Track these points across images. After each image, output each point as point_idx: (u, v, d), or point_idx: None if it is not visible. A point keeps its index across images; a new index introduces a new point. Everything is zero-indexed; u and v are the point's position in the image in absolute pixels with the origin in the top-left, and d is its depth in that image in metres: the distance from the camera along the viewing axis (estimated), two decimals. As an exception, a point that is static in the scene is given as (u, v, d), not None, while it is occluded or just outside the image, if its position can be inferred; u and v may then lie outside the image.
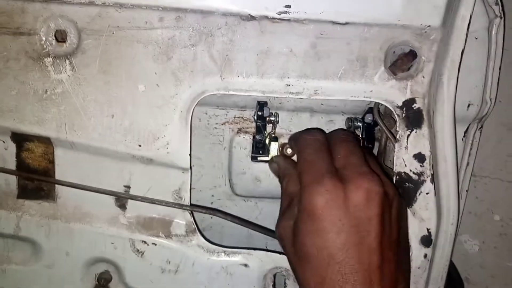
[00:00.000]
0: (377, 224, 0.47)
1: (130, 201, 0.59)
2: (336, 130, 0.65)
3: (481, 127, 0.67)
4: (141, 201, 0.58)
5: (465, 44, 0.54)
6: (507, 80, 0.70)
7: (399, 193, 0.54)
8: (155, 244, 0.60)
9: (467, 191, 0.72)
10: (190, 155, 0.57)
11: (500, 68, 0.62)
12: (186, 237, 0.60)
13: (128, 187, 0.58)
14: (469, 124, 0.64)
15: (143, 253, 0.60)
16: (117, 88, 0.53)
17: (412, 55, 0.53)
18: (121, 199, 0.59)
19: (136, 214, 0.60)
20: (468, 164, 0.69)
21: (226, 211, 0.71)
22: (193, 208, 0.58)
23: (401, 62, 0.53)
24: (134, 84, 0.53)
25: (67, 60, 0.52)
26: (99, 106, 0.54)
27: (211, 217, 0.74)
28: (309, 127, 0.70)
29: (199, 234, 0.60)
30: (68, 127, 0.55)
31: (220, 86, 0.54)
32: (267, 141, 0.68)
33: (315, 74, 0.54)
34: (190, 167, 0.58)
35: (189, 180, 0.58)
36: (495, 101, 0.63)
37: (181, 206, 0.58)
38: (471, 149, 0.68)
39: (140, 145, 0.55)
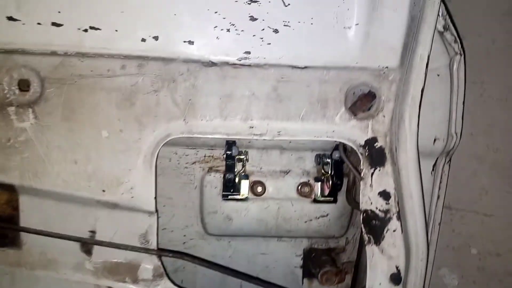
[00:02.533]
0: None
1: (95, 247, 0.58)
2: None
3: (450, 160, 0.68)
4: (107, 246, 0.57)
5: (424, 82, 0.55)
6: (477, 114, 0.72)
7: None
8: (122, 290, 0.59)
9: (439, 224, 0.72)
10: (155, 198, 0.56)
11: (463, 103, 0.63)
12: (153, 281, 0.59)
13: (94, 232, 0.58)
14: (437, 158, 0.65)
15: (109, 300, 0.59)
16: (81, 134, 0.54)
17: (371, 95, 0.55)
18: (87, 245, 0.58)
19: (102, 260, 0.59)
20: (439, 197, 0.70)
21: (196, 253, 0.71)
22: (160, 252, 0.58)
23: (361, 103, 0.54)
24: (98, 130, 0.53)
25: (30, 108, 0.53)
26: (63, 153, 0.54)
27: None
28: (279, 163, 0.70)
29: (166, 278, 0.59)
30: (32, 175, 0.54)
31: (184, 129, 0.54)
32: (237, 180, 0.68)
33: (277, 115, 0.55)
34: (157, 210, 0.58)
35: (156, 223, 0.58)
36: (460, 135, 0.64)
37: (147, 251, 0.57)
38: (440, 182, 0.68)
39: (104, 190, 0.55)
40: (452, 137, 0.61)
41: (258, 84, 0.54)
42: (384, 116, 0.56)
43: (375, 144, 0.57)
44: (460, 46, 0.61)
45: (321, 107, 0.55)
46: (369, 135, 0.56)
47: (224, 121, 0.55)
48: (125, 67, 0.52)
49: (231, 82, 0.54)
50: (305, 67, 0.53)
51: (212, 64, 0.53)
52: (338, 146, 0.65)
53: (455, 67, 0.61)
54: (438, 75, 0.60)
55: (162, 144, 0.55)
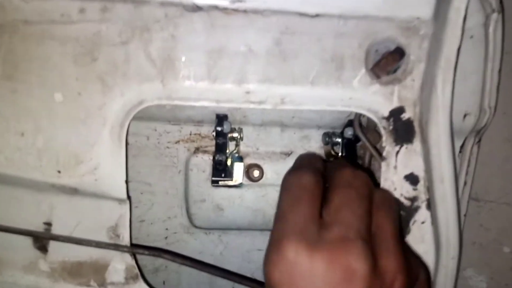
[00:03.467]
0: None
1: (52, 242, 0.47)
2: (341, 161, 0.49)
3: (479, 140, 0.57)
4: (66, 241, 0.46)
5: (461, 40, 0.44)
6: (510, 90, 0.62)
7: None
8: (85, 296, 0.47)
9: (465, 215, 0.62)
10: (127, 182, 0.45)
11: (500, 72, 0.53)
12: (125, 285, 0.48)
13: (49, 224, 0.46)
14: (466, 138, 0.55)
15: (70, 308, 0.47)
16: (27, 97, 0.42)
17: (399, 53, 0.43)
18: (40, 240, 0.46)
19: (60, 259, 0.47)
20: (465, 183, 0.60)
21: (180, 250, 0.59)
22: (134, 249, 0.46)
23: (386, 62, 0.43)
24: (49, 92, 0.42)
25: (-40, 63, 0.41)
26: (5, 121, 0.42)
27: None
28: (279, 143, 0.59)
29: (142, 280, 0.48)
30: (-34, 150, 0.42)
31: (161, 94, 0.43)
32: (229, 162, 0.57)
33: (281, 78, 0.43)
34: (129, 197, 0.46)
35: (128, 213, 0.46)
36: (494, 110, 0.53)
37: (117, 247, 0.46)
38: (468, 166, 0.58)
39: (59, 171, 0.43)
40: (484, 112, 0.51)
41: (256, 36, 0.42)
42: (413, 81, 0.45)
43: (402, 116, 0.46)
44: (498, 1, 0.50)
45: (336, 68, 0.44)
46: (395, 104, 0.45)
47: (212, 84, 0.43)
48: (84, 11, 0.41)
49: (222, 33, 0.42)
50: (316, 15, 0.42)
51: (197, 8, 0.41)
52: (351, 122, 0.53)
53: (491, 27, 0.50)
54: (472, 37, 0.49)
55: (133, 114, 0.44)
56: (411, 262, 0.37)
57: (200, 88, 0.43)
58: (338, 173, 0.39)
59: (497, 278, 0.67)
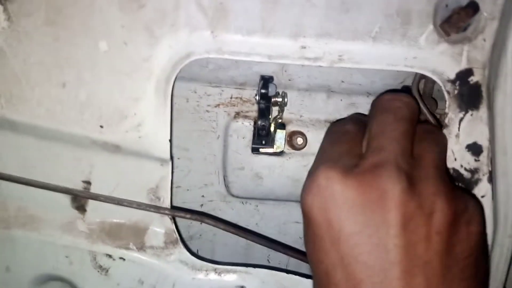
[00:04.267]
0: (394, 232, 0.31)
1: (91, 202, 0.45)
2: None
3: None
4: (106, 201, 0.44)
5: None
6: None
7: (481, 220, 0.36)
8: (124, 259, 0.45)
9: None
10: (171, 141, 0.42)
11: None
12: (164, 249, 0.46)
13: (88, 183, 0.44)
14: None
15: (107, 270, 0.45)
16: (70, 46, 0.39)
17: (472, 8, 0.39)
18: (79, 199, 0.44)
19: (99, 219, 0.45)
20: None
21: (217, 216, 0.57)
22: (175, 212, 0.44)
23: (458, 18, 0.39)
24: (93, 41, 0.39)
25: (1, 6, 0.38)
26: (46, 71, 0.40)
27: (200, 223, 0.59)
28: (324, 110, 0.55)
29: (182, 246, 0.46)
30: (5, 100, 0.40)
31: (211, 47, 0.40)
32: (272, 128, 0.54)
33: (340, 32, 0.40)
34: (172, 158, 0.44)
35: (170, 176, 0.44)
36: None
37: (158, 210, 0.44)
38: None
39: (102, 126, 0.41)
40: None
41: (316, -14, 0.39)
42: (484, 40, 0.41)
43: (470, 79, 0.42)
44: None
45: (402, 23, 0.40)
46: (463, 65, 0.41)
47: (266, 38, 0.40)
48: (133, -49, 0.37)
49: (279, -19, 0.38)
50: (384, -37, 0.38)
51: (255, -50, 0.37)
52: (406, 88, 0.50)
53: None
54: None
55: (181, 67, 0.41)
56: (456, 192, 0.35)
57: (253, 42, 0.40)
58: (377, 101, 0.39)
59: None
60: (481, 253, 0.36)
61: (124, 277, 0.46)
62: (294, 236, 0.61)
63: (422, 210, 0.31)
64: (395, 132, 0.35)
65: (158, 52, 0.39)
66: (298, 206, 0.59)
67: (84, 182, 0.44)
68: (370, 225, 0.31)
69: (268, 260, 0.62)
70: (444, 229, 0.32)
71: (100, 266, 0.45)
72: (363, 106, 0.55)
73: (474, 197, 0.39)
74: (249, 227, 0.61)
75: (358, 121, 0.40)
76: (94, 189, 0.44)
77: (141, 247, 0.46)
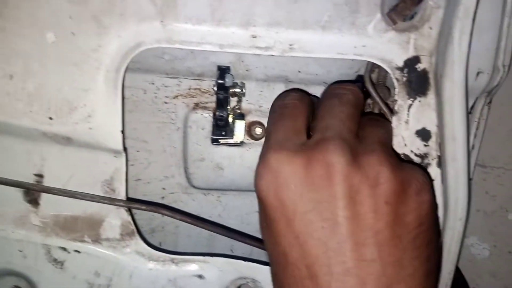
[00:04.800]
0: (336, 206, 0.32)
1: (44, 195, 0.44)
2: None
3: (490, 102, 0.55)
4: (59, 194, 0.43)
5: (481, -12, 0.42)
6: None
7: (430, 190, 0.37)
8: (79, 252, 0.45)
9: (471, 179, 0.61)
10: (123, 132, 0.42)
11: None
12: (121, 241, 0.46)
13: (41, 176, 0.43)
14: (477, 98, 0.52)
15: (62, 264, 0.45)
16: (17, 37, 0.39)
17: (417, -3, 0.40)
18: (32, 193, 0.44)
19: (53, 213, 0.45)
20: (473, 147, 0.58)
21: (174, 207, 0.57)
22: (130, 204, 0.44)
23: (404, 6, 0.40)
24: (41, 32, 0.38)
25: None
26: (-8, 62, 0.39)
27: (162, 216, 0.59)
28: (283, 101, 0.56)
29: (138, 237, 0.46)
30: (-51, 92, 0.39)
31: (161, 36, 0.39)
32: (230, 119, 0.54)
33: (290, 22, 0.40)
34: (125, 150, 0.44)
35: (124, 166, 0.44)
36: (508, 69, 0.51)
37: (113, 201, 0.43)
38: (477, 128, 0.56)
39: (51, 118, 0.40)
40: (498, 70, 0.48)
41: (265, -25, 0.39)
42: (430, 28, 0.42)
43: (417, 66, 0.43)
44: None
45: (350, 12, 0.41)
46: (410, 53, 0.42)
47: (216, 27, 0.40)
48: None
49: (228, -30, 0.39)
50: (331, -47, 0.39)
51: None
52: (360, 78, 0.51)
53: (510, -20, 0.47)
54: (489, -10, 0.46)
55: (130, 57, 0.40)
56: (402, 163, 0.36)
57: (203, 31, 0.40)
58: (326, 89, 0.42)
59: (501, 246, 0.66)
60: (433, 222, 0.37)
61: (80, 269, 0.45)
62: (256, 225, 0.61)
63: (368, 181, 0.32)
64: (341, 113, 0.36)
65: (107, 42, 0.39)
66: (260, 196, 0.60)
67: (36, 175, 0.44)
68: (320, 201, 0.32)
69: (231, 250, 0.62)
70: (392, 199, 0.33)
71: (55, 260, 0.45)
72: (321, 94, 0.56)
73: (422, 168, 0.41)
74: (212, 218, 0.61)
75: (299, 92, 0.42)
76: (46, 182, 0.44)
77: (97, 240, 0.45)
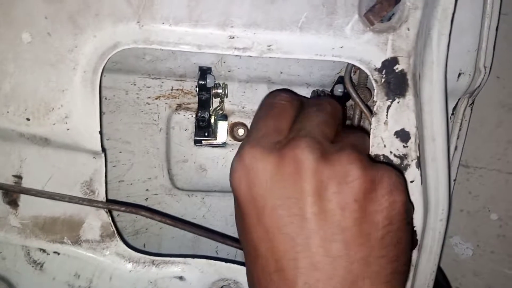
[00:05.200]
0: (304, 202, 0.33)
1: (23, 197, 0.44)
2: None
3: (472, 103, 0.56)
4: (38, 196, 0.43)
5: (460, -11, 0.42)
6: (506, 52, 0.59)
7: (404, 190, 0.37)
8: (58, 253, 0.45)
9: (454, 180, 0.61)
10: (101, 133, 0.42)
11: (497, 30, 0.50)
12: (101, 243, 0.46)
13: (19, 177, 0.43)
14: (459, 99, 0.53)
15: (42, 265, 0.45)
16: (-8, 37, 0.38)
17: (394, -2, 0.40)
18: (11, 194, 0.43)
19: (32, 214, 0.45)
20: (456, 148, 0.58)
21: (154, 208, 0.57)
22: (109, 205, 0.44)
23: (381, 8, 0.40)
24: (16, 32, 0.38)
25: None
26: (-33, 63, 0.38)
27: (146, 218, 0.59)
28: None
29: (118, 239, 0.46)
30: None
31: (138, 36, 0.39)
32: (213, 120, 0.54)
33: (268, 22, 0.40)
34: (104, 151, 0.44)
35: (104, 169, 0.44)
36: (490, 70, 0.51)
37: (91, 203, 0.43)
38: (460, 130, 0.56)
39: (28, 119, 0.40)
40: (479, 72, 0.49)
41: (242, -25, 0.39)
42: (408, 30, 0.42)
43: (395, 67, 0.43)
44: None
45: (328, 13, 0.41)
46: (388, 54, 0.43)
47: (194, 27, 0.40)
48: None
49: (205, -30, 0.39)
50: (307, -47, 0.39)
51: None
52: (342, 79, 0.51)
53: (490, -18, 0.47)
54: (470, -8, 0.46)
55: (107, 58, 0.40)
56: (373, 163, 0.37)
57: (180, 31, 0.40)
58: (310, 101, 0.42)
59: (483, 245, 0.67)
60: (404, 223, 0.37)
61: (59, 271, 0.45)
62: (241, 227, 0.62)
63: (337, 179, 0.33)
64: (316, 118, 0.37)
65: (83, 43, 0.39)
66: (244, 197, 0.60)
67: (15, 176, 0.44)
68: (290, 196, 0.33)
69: (216, 252, 0.62)
70: (361, 196, 0.33)
71: (35, 261, 0.45)
72: (304, 95, 0.56)
73: (398, 169, 0.41)
74: (196, 220, 0.61)
75: (290, 93, 0.43)
76: (25, 183, 0.44)
77: (76, 241, 0.45)
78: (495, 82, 0.61)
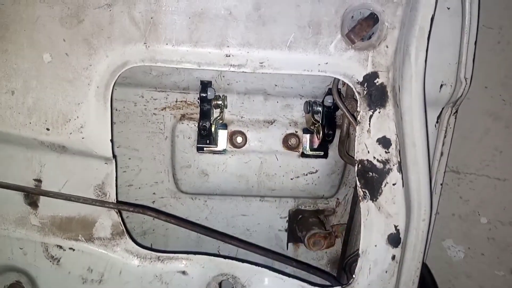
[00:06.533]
0: None
1: (42, 198, 0.49)
2: None
3: (456, 112, 0.59)
4: (56, 197, 0.48)
5: (435, 9, 0.46)
6: (493, 63, 0.63)
7: None
8: (73, 249, 0.50)
9: (441, 184, 0.64)
10: (112, 141, 0.47)
11: (475, 43, 0.54)
12: (111, 240, 0.50)
13: (39, 181, 0.48)
14: (443, 108, 0.57)
15: (58, 260, 0.50)
16: (17, 58, 0.44)
17: (372, 19, 0.45)
18: (32, 196, 0.49)
19: (50, 214, 0.50)
20: (442, 154, 0.62)
21: (160, 209, 0.62)
22: (119, 206, 0.49)
23: (360, 28, 0.45)
24: (38, 53, 0.44)
25: (-48, 22, 0.43)
26: (-4, 80, 0.44)
27: (153, 218, 0.64)
28: (263, 112, 0.61)
29: (127, 237, 0.50)
30: (-41, 107, 0.45)
31: (145, 56, 0.44)
32: (213, 129, 0.59)
33: (260, 42, 0.45)
34: (115, 157, 0.49)
35: (114, 172, 0.49)
36: (470, 82, 0.55)
37: (103, 204, 0.48)
38: (445, 137, 0.60)
39: (48, 129, 0.46)
40: (461, 83, 0.52)
41: (236, 1, 0.44)
42: (387, 47, 0.47)
43: (376, 81, 0.48)
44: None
45: (313, 33, 0.46)
46: (369, 69, 0.47)
47: (194, 47, 0.45)
48: (70, -27, 0.42)
49: (203, -2, 0.44)
50: (294, -19, 0.44)
51: (179, -27, 0.43)
52: (331, 90, 0.56)
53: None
54: (448, 8, 0.51)
55: (118, 74, 0.46)
56: None
57: (182, 51, 0.45)
58: None
59: (474, 248, 0.69)
60: None
61: (74, 266, 0.50)
62: (241, 228, 0.67)
63: None
64: None
65: (96, 62, 0.44)
66: (243, 200, 0.65)
67: (35, 180, 0.49)
68: None
69: (218, 251, 0.67)
70: None
71: (52, 256, 0.50)
72: (297, 106, 0.61)
73: None
74: (199, 221, 0.65)
75: None
76: (45, 187, 0.49)
77: (90, 238, 0.50)
78: (483, 92, 0.65)
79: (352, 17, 0.46)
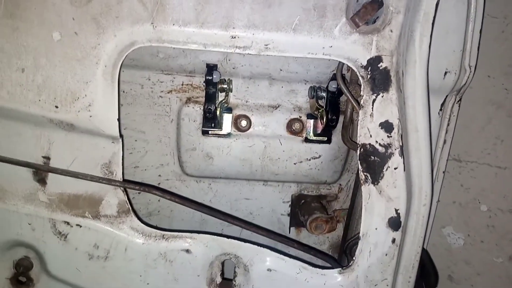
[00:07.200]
0: None
1: (50, 175, 0.50)
2: None
3: (460, 100, 0.60)
4: (64, 175, 0.49)
5: (440, -5, 0.47)
6: (497, 53, 0.63)
7: None
8: (80, 226, 0.51)
9: (444, 172, 0.65)
10: (119, 120, 0.48)
11: (481, 33, 0.54)
12: (117, 218, 0.52)
13: (48, 158, 0.50)
14: (446, 96, 0.57)
15: (66, 236, 0.51)
16: (28, 36, 0.45)
17: (377, 3, 0.45)
18: (40, 173, 0.50)
19: (58, 191, 0.51)
20: (445, 142, 0.62)
21: (165, 189, 0.63)
22: (125, 184, 0.50)
23: (365, 11, 0.45)
24: (48, 31, 0.45)
25: (-35, 0, 0.44)
26: (7, 57, 0.45)
27: (159, 200, 0.65)
28: (267, 96, 0.62)
29: (133, 215, 0.52)
30: (-30, 83, 0.46)
31: (152, 36, 0.45)
32: (218, 112, 0.60)
33: (265, 24, 0.46)
34: (121, 136, 0.50)
35: (121, 152, 0.50)
36: (475, 69, 0.55)
37: (110, 182, 0.49)
38: (448, 125, 0.60)
39: (57, 106, 0.47)
40: (465, 70, 0.53)
41: (242, -17, 0.45)
42: (391, 31, 0.47)
43: (379, 65, 0.48)
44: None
45: (318, 16, 0.46)
46: (373, 53, 0.48)
47: (200, 28, 0.46)
48: (80, -47, 0.43)
49: (210, -21, 0.44)
50: (300, -36, 0.44)
51: (187, -47, 0.43)
52: (335, 75, 0.56)
53: (474, -13, 0.52)
54: (454, -4, 0.51)
55: (125, 54, 0.46)
56: None
57: (189, 32, 0.46)
58: None
59: (474, 235, 0.70)
60: None
61: (81, 242, 0.51)
62: (244, 211, 0.68)
63: None
64: None
65: (104, 41, 0.45)
66: (247, 184, 0.66)
67: (44, 157, 0.50)
68: None
69: (221, 232, 0.68)
70: None
71: (60, 232, 0.51)
72: (302, 92, 0.61)
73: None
74: (204, 203, 0.66)
75: None
76: (53, 164, 0.50)
77: (96, 216, 0.51)
78: (486, 81, 0.65)
79: (357, 0, 0.47)
